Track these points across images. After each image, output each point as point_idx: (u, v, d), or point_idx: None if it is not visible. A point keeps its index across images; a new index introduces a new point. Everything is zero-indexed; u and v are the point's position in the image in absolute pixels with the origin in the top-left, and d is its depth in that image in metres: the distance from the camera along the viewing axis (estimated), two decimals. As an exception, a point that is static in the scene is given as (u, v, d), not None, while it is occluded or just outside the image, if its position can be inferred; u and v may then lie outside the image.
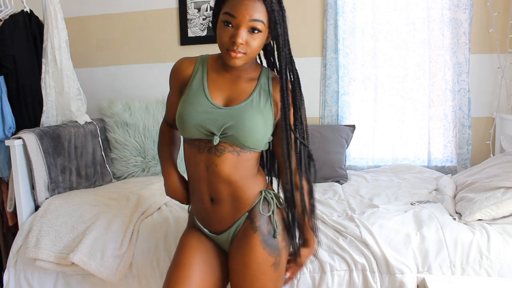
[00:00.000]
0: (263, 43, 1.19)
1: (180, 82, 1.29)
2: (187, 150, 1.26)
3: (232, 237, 1.28)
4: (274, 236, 1.24)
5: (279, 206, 1.29)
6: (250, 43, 1.14)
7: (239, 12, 1.11)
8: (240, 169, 1.21)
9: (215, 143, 1.17)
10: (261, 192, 1.27)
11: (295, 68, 1.22)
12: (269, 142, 1.29)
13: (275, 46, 1.22)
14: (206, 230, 1.31)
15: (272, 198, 1.27)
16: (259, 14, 1.12)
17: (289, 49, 1.20)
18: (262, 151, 1.32)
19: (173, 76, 1.31)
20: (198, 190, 1.26)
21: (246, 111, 1.18)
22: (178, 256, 1.28)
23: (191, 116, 1.19)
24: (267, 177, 1.36)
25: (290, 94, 1.21)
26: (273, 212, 1.26)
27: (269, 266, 1.22)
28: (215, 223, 1.28)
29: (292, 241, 1.28)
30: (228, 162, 1.20)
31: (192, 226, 1.36)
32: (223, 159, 1.19)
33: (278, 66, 1.23)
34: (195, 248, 1.28)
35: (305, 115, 1.24)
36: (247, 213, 1.25)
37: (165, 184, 1.35)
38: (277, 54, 1.20)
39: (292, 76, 1.21)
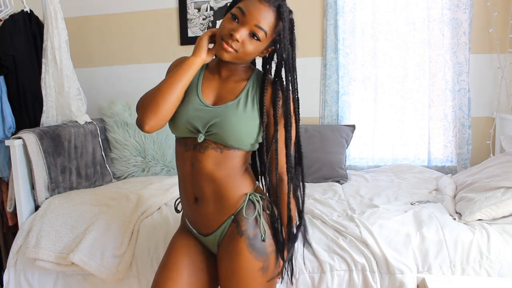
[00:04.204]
0: (258, 53, 1.19)
1: None
2: (177, 149, 1.27)
3: (219, 240, 1.26)
4: (263, 240, 1.20)
5: (267, 210, 1.25)
6: (245, 44, 1.14)
7: (250, 12, 1.12)
8: (223, 167, 1.20)
9: (199, 141, 1.18)
10: (246, 194, 1.24)
11: (297, 89, 1.20)
12: (259, 144, 1.26)
13: (281, 65, 1.20)
14: (194, 231, 1.30)
15: (258, 201, 1.23)
16: (266, 23, 1.13)
17: (295, 75, 1.19)
18: (254, 152, 1.32)
19: (173, 69, 1.29)
20: (184, 189, 1.26)
21: (230, 110, 1.19)
22: (166, 258, 1.29)
23: (181, 113, 1.20)
24: (258, 181, 1.34)
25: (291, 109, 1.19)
26: (259, 215, 1.22)
27: (257, 270, 1.19)
28: (200, 224, 1.28)
29: (277, 243, 1.24)
30: (210, 159, 1.19)
31: (183, 227, 1.36)
32: (206, 156, 1.19)
33: (280, 81, 1.21)
34: (183, 250, 1.28)
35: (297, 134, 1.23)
36: (232, 216, 1.23)
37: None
38: (280, 73, 1.19)
39: (296, 95, 1.20)
